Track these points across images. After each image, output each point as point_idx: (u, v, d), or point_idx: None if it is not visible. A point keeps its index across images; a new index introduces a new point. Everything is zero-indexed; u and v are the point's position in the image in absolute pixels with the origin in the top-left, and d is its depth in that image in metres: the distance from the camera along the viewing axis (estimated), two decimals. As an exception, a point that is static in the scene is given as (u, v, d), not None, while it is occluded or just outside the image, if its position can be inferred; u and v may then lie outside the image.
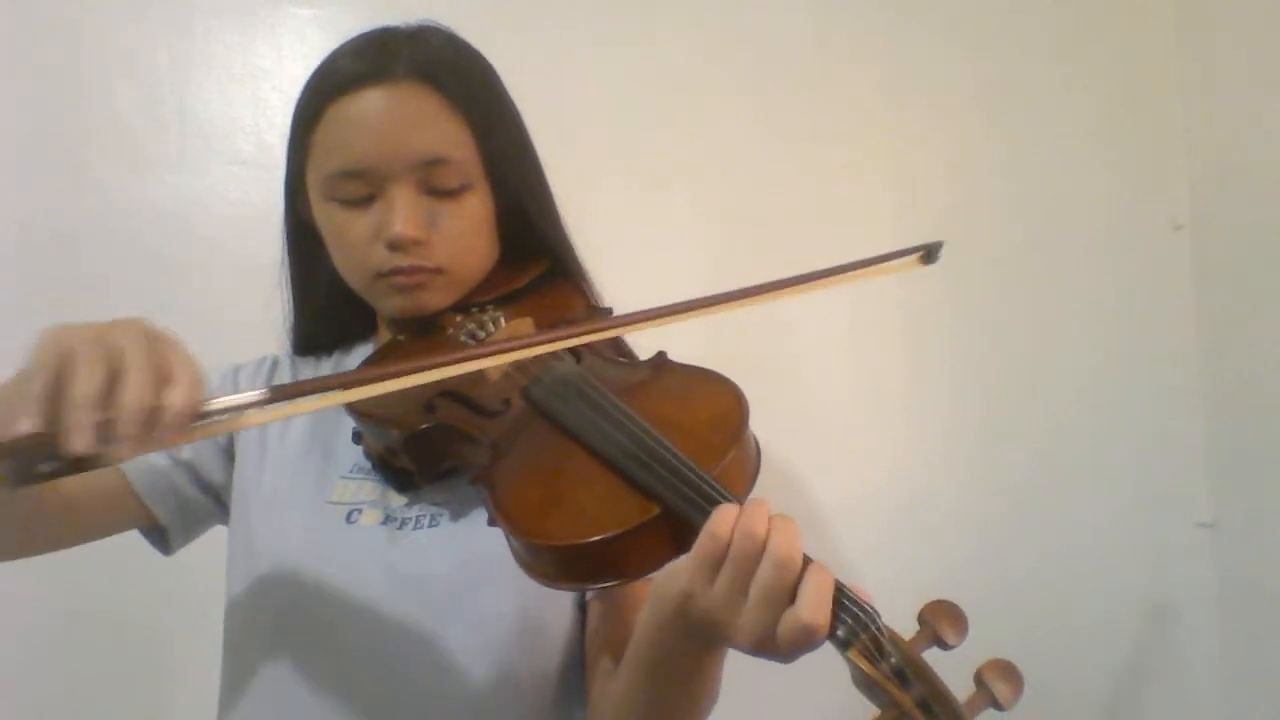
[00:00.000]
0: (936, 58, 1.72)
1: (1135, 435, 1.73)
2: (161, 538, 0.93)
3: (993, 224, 1.72)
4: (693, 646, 0.66)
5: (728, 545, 0.58)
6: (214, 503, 0.94)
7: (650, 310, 0.73)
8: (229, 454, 0.94)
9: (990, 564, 1.64)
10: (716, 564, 0.59)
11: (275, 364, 1.00)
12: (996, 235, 1.72)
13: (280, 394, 0.57)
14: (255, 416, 0.57)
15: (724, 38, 1.64)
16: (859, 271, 0.81)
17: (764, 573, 0.57)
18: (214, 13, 1.50)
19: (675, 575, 0.62)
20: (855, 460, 1.62)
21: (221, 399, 0.54)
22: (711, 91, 1.62)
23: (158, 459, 0.90)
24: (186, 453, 0.91)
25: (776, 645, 0.57)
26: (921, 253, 0.85)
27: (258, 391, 0.55)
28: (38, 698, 1.17)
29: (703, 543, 0.59)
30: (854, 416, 1.65)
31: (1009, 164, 1.73)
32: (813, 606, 0.55)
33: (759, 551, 0.57)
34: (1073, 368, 1.73)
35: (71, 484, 0.80)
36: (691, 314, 0.73)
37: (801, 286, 0.78)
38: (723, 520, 0.59)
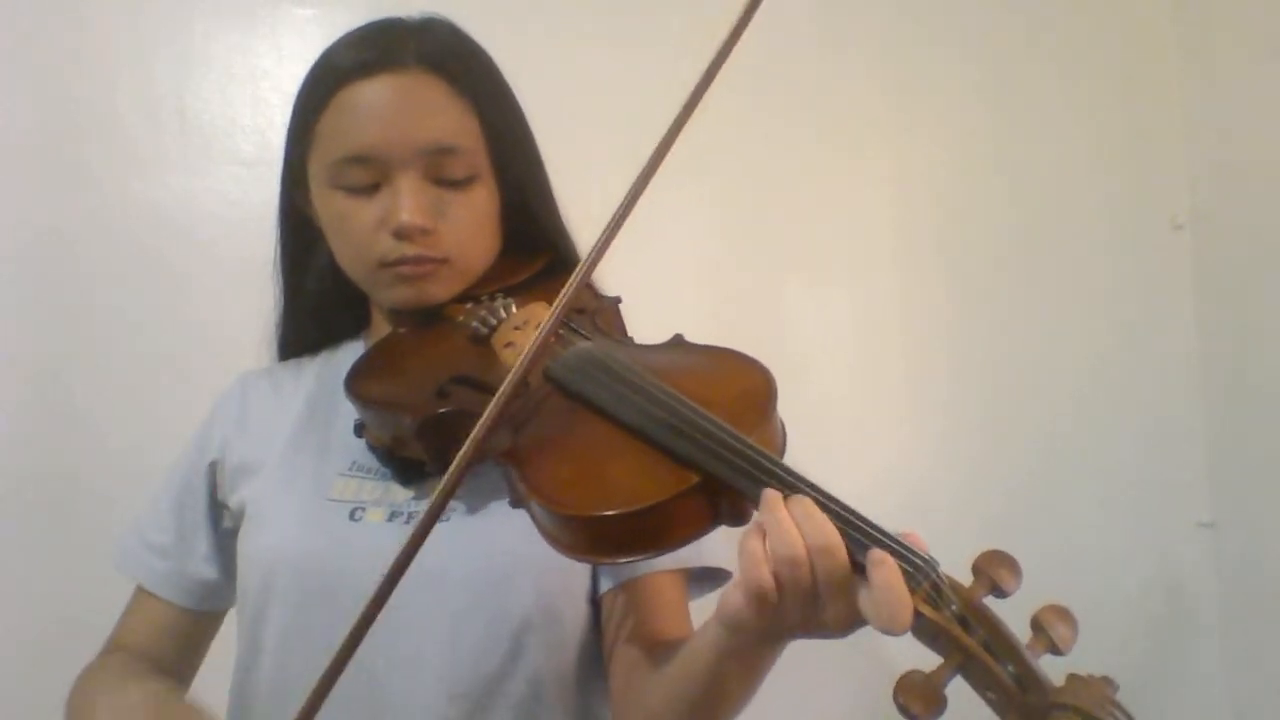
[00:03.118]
0: (936, 58, 1.72)
1: (1135, 435, 1.73)
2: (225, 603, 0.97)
3: (993, 223, 1.72)
4: (767, 648, 0.66)
5: (777, 579, 0.57)
6: (228, 549, 0.94)
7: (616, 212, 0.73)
8: (214, 505, 0.94)
9: (990, 564, 1.64)
10: (775, 599, 0.58)
11: (244, 393, 0.97)
12: (996, 235, 1.72)
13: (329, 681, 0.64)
14: None
15: (724, 35, 1.64)
16: (727, 51, 0.82)
17: (822, 581, 0.56)
18: (214, 13, 1.50)
19: (741, 610, 0.60)
20: (854, 459, 1.62)
21: None
22: (712, 89, 1.62)
23: (163, 564, 0.94)
24: (177, 539, 0.94)
25: (863, 625, 0.57)
26: None
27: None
28: (38, 704, 1.16)
29: (749, 588, 0.58)
30: (854, 415, 1.65)
31: (1009, 164, 1.73)
32: (891, 610, 0.54)
33: (808, 565, 0.56)
34: (1073, 367, 1.73)
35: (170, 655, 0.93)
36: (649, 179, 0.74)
37: (702, 94, 0.78)
38: (756, 558, 0.57)
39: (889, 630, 0.54)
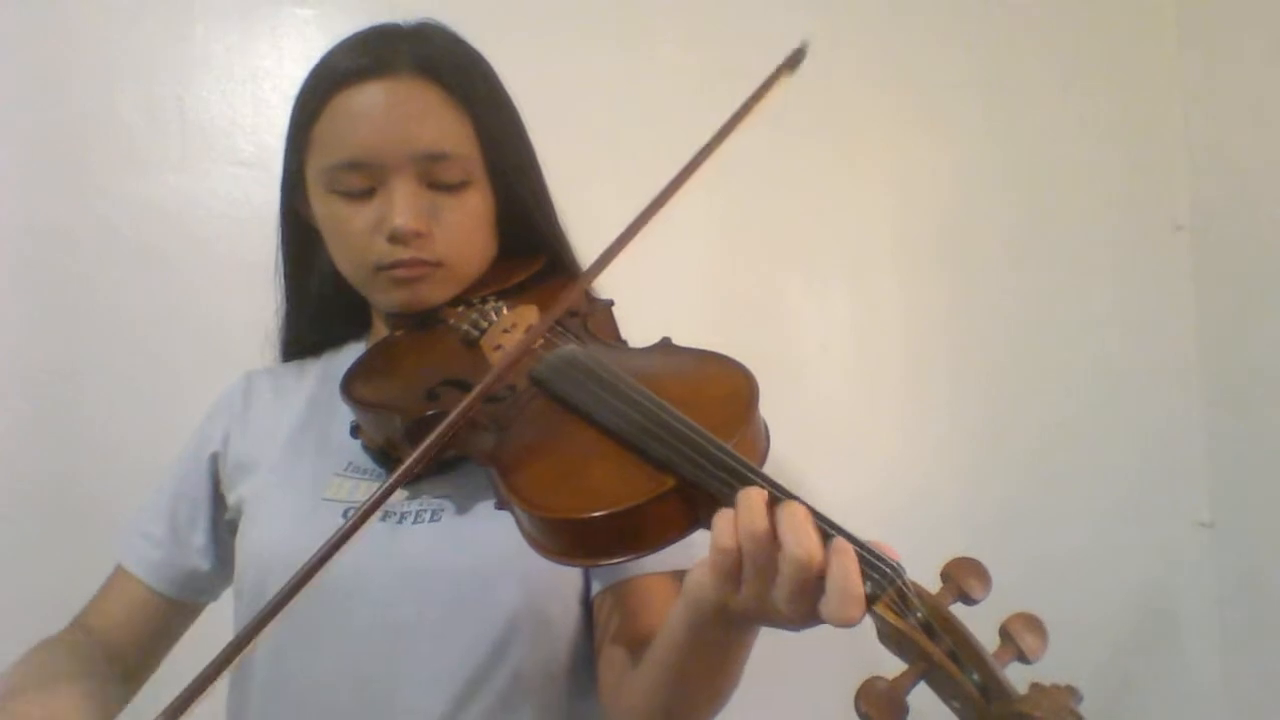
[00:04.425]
0: (936, 58, 1.72)
1: (1135, 435, 1.73)
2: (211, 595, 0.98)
3: (993, 224, 1.72)
4: (730, 633, 0.66)
5: (739, 551, 0.58)
6: (226, 541, 0.95)
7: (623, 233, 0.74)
8: (215, 496, 0.95)
9: (989, 563, 1.64)
10: (735, 573, 0.58)
11: (248, 390, 0.98)
12: (996, 235, 1.72)
13: None
14: None
15: (723, 35, 1.64)
16: (742, 118, 0.82)
17: (785, 574, 0.56)
18: (214, 13, 1.50)
19: (703, 584, 0.61)
20: (854, 459, 1.62)
21: None
22: (711, 90, 1.62)
23: (156, 553, 0.94)
24: (170, 531, 0.95)
25: (820, 622, 0.57)
26: (786, 66, 0.86)
27: None
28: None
29: (714, 557, 0.59)
30: (853, 416, 1.65)
31: (1009, 164, 1.73)
32: (841, 599, 0.54)
33: (772, 549, 0.57)
34: (1073, 367, 1.73)
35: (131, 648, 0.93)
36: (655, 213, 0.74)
37: (707, 155, 0.79)
38: (725, 530, 0.58)
39: (840, 622, 0.54)
